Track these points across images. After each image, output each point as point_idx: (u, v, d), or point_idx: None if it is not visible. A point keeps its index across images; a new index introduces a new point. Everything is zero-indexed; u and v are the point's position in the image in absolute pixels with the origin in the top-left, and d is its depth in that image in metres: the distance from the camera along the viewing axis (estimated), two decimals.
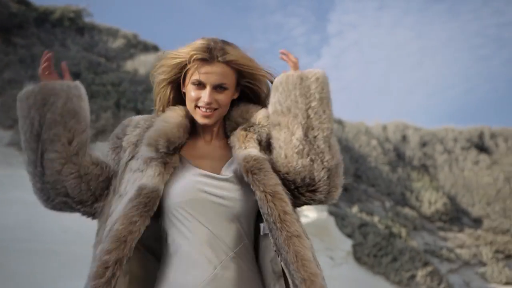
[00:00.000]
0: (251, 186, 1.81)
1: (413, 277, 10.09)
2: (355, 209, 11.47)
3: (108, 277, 1.69)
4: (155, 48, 16.38)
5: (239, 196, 1.85)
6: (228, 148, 1.97)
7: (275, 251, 1.79)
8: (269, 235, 1.79)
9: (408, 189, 14.46)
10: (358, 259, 10.24)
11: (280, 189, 1.83)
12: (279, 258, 1.77)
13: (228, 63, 1.92)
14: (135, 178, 1.85)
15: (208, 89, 1.90)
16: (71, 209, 1.99)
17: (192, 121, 1.98)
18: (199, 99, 1.91)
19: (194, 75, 1.90)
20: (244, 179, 1.83)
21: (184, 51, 1.91)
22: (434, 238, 12.85)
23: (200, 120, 1.93)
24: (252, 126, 1.96)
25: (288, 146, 1.89)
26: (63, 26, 14.46)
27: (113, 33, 15.62)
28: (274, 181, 1.83)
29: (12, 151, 9.61)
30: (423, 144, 16.86)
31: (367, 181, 14.35)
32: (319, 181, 1.88)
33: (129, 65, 14.02)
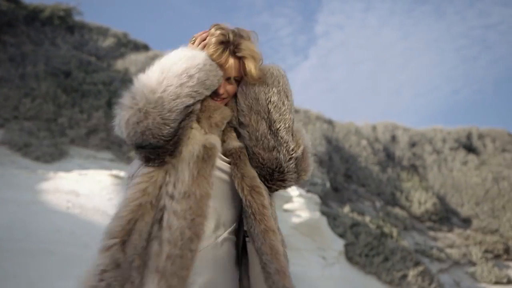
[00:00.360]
0: (232, 176, 1.97)
1: (404, 276, 10.14)
2: (346, 209, 11.51)
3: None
4: (145, 47, 16.33)
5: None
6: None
7: (246, 236, 1.94)
8: (244, 221, 1.94)
9: (398, 189, 14.53)
10: (350, 258, 10.28)
11: (259, 183, 1.97)
12: (250, 245, 1.92)
13: (242, 58, 2.07)
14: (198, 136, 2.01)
15: (229, 79, 2.09)
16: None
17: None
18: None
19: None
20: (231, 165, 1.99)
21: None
22: (424, 238, 12.92)
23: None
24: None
25: (254, 142, 2.01)
26: (53, 25, 14.36)
27: (103, 32, 15.54)
28: (252, 173, 1.98)
29: (3, 150, 9.55)
30: (412, 144, 16.95)
31: (357, 181, 14.40)
32: (288, 171, 2.01)
33: (120, 64, 13.96)
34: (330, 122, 16.75)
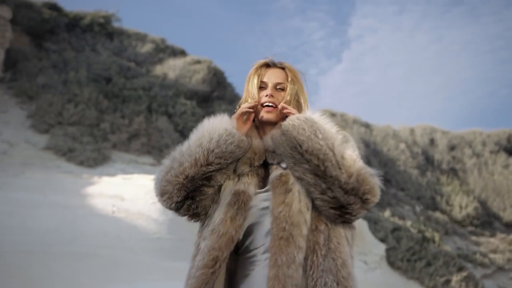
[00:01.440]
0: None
1: (447, 282, 10.01)
2: (387, 213, 11.41)
3: (215, 269, 1.98)
4: (182, 53, 16.46)
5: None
6: None
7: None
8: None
9: (438, 193, 14.36)
10: (391, 263, 10.19)
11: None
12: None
13: (283, 68, 2.24)
14: (230, 185, 2.09)
15: (269, 87, 2.21)
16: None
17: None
18: (262, 97, 2.20)
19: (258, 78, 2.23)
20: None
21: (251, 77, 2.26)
22: (466, 243, 12.74)
23: (265, 116, 2.18)
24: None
25: (309, 189, 2.03)
26: (93, 31, 14.60)
27: (142, 38, 15.72)
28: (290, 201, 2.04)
29: (48, 155, 9.74)
30: (452, 148, 16.72)
31: (396, 185, 14.27)
32: (349, 204, 1.98)
33: (158, 69, 14.12)
34: (367, 126, 16.65)
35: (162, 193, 2.09)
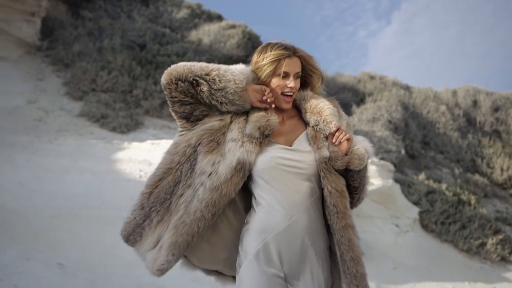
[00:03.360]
0: (322, 180, 2.44)
1: (483, 245, 9.85)
2: (422, 176, 11.24)
3: (213, 221, 2.46)
4: (219, 18, 16.39)
5: (308, 161, 2.46)
6: (299, 124, 2.57)
7: (330, 232, 2.48)
8: (328, 218, 2.45)
9: (479, 155, 14.03)
10: (425, 226, 10.08)
11: (345, 189, 2.46)
12: (333, 238, 2.45)
13: (300, 57, 2.54)
14: (235, 148, 2.45)
15: (291, 77, 2.52)
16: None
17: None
18: (285, 86, 2.52)
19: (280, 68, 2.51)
20: (319, 173, 2.45)
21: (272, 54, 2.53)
22: (506, 206, 12.48)
23: (284, 105, 2.54)
24: (318, 124, 2.50)
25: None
26: None
27: (177, 4, 15.72)
28: (342, 182, 2.45)
29: (82, 122, 9.95)
30: (495, 109, 16.23)
31: (435, 148, 14.01)
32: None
33: (193, 35, 14.12)
34: (407, 88, 16.33)
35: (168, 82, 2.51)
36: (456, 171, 13.37)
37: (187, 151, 2.51)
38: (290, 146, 2.50)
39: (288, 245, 2.41)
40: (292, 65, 2.50)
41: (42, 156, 7.99)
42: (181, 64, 2.53)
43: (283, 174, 2.44)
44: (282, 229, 2.41)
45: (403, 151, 11.75)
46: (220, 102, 2.46)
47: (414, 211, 9.94)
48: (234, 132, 2.48)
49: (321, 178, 2.44)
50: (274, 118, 2.49)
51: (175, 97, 2.48)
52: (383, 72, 16.01)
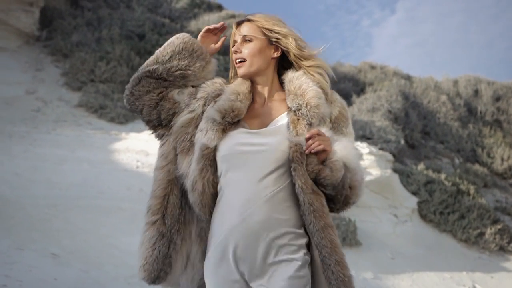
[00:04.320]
0: (292, 172, 2.10)
1: (481, 234, 9.83)
2: (421, 166, 11.22)
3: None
4: (219, 7, 16.37)
5: (273, 144, 2.13)
6: (281, 106, 2.27)
7: (307, 233, 2.14)
8: (303, 218, 2.12)
9: (479, 145, 13.99)
10: (423, 216, 10.07)
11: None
12: (311, 241, 2.13)
13: (251, 21, 2.30)
14: (200, 138, 2.20)
15: (238, 42, 2.30)
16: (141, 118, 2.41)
17: (251, 88, 2.33)
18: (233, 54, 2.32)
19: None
20: (290, 163, 2.12)
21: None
22: (506, 196, 12.45)
23: (238, 73, 2.30)
24: (300, 109, 2.19)
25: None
26: None
27: None
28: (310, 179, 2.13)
29: (80, 112, 9.95)
30: (497, 99, 16.17)
31: (435, 138, 13.98)
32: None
33: (193, 25, 14.09)
34: (408, 78, 16.27)
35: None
36: (456, 161, 13.34)
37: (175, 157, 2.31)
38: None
39: (245, 242, 2.09)
40: (239, 32, 2.30)
41: (39, 146, 7.99)
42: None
43: (244, 161, 2.13)
44: (236, 223, 2.10)
45: (402, 141, 11.72)
46: (180, 72, 2.29)
47: (412, 201, 9.93)
48: (202, 121, 2.23)
49: (291, 170, 2.11)
50: (241, 103, 2.22)
51: (140, 103, 2.30)
52: (387, 62, 15.96)
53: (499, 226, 9.93)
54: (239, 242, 2.09)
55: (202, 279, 2.22)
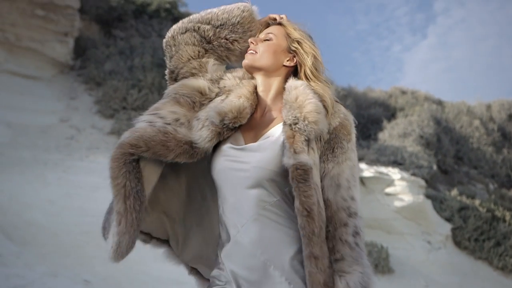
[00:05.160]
0: (294, 192, 1.92)
1: None
2: (454, 192, 11.05)
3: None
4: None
5: (253, 162, 1.97)
6: (279, 117, 2.07)
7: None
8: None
9: None
10: (457, 243, 9.90)
11: (315, 209, 1.93)
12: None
13: (281, 25, 2.19)
14: (196, 128, 2.06)
15: (259, 37, 2.17)
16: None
17: (257, 95, 2.16)
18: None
19: None
20: (290, 182, 1.92)
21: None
22: None
23: (243, 62, 2.16)
24: (297, 123, 1.96)
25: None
26: (159, 17, 14.88)
27: None
28: (314, 199, 1.93)
29: (113, 139, 10.07)
30: None
31: (469, 163, 13.79)
32: None
33: None
34: (439, 103, 16.14)
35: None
36: (491, 186, 13.12)
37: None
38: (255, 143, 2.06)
39: (239, 264, 1.98)
40: (266, 31, 2.18)
41: (73, 174, 8.11)
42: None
43: (231, 179, 2.01)
44: (230, 245, 2.00)
45: (435, 167, 11.58)
46: (227, 42, 2.21)
47: (446, 228, 9.77)
48: (203, 112, 2.10)
49: (293, 190, 1.92)
50: (246, 109, 2.08)
51: (175, 50, 2.27)
52: (418, 87, 15.85)
53: None
54: (234, 265, 1.99)
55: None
